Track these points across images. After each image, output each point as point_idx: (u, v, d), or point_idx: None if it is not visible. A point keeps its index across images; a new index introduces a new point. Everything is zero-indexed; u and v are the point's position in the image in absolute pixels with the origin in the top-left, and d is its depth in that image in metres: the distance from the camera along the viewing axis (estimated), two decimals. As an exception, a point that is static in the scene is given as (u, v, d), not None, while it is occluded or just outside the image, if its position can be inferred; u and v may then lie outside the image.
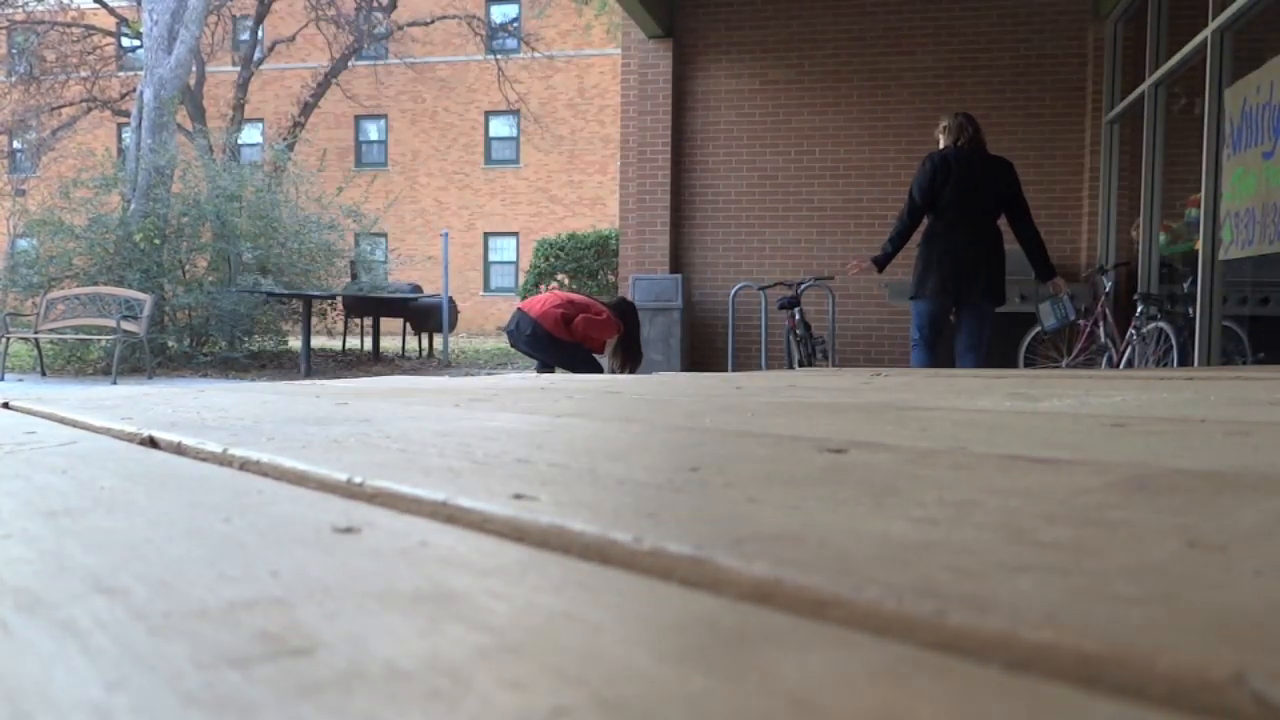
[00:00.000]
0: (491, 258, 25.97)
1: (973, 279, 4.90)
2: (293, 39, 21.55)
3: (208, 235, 11.16)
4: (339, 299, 11.85)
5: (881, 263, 5.08)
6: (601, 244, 12.98)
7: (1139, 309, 6.43)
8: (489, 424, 1.08)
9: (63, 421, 1.24)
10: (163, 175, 11.24)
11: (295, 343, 11.61)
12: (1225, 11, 5.23)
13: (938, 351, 5.08)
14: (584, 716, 0.25)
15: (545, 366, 6.16)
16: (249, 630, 0.33)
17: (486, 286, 25.88)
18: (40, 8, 21.21)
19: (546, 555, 0.45)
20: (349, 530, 0.51)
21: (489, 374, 8.65)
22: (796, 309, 7.10)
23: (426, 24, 21.75)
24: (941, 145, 5.07)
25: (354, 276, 12.39)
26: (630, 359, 6.37)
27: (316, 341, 13.13)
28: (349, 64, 20.83)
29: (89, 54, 21.08)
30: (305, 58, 25.11)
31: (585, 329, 5.96)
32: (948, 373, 2.61)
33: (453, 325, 12.72)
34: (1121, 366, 6.55)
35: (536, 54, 23.68)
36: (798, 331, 7.11)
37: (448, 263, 11.76)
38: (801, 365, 6.96)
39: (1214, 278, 5.36)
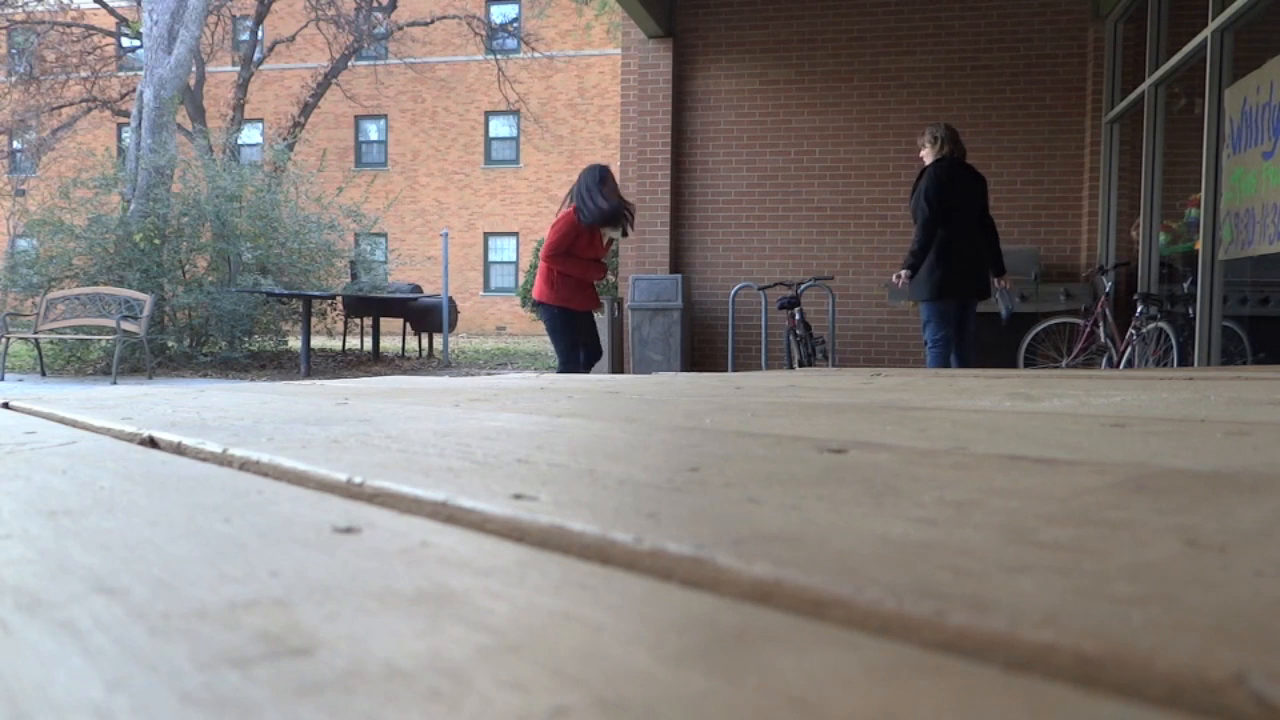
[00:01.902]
0: (491, 258, 25.98)
1: (976, 278, 5.29)
2: (293, 39, 21.55)
3: (208, 235, 11.16)
4: (339, 299, 11.85)
5: (916, 269, 5.30)
6: (601, 244, 12.97)
7: (1139, 309, 6.43)
8: (489, 424, 1.08)
9: (63, 421, 1.24)
10: (163, 175, 11.24)
11: (295, 343, 11.61)
12: (1225, 11, 5.23)
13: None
14: (584, 716, 0.25)
15: (585, 365, 5.43)
16: (249, 630, 0.33)
17: (486, 286, 25.89)
18: (40, 8, 21.20)
19: (546, 555, 0.45)
20: (349, 530, 0.51)
21: (489, 374, 8.66)
22: (796, 309, 7.10)
23: (426, 24, 21.75)
24: (929, 155, 5.33)
25: (354, 276, 12.40)
26: (609, 217, 5.14)
27: (316, 341, 13.13)
28: (349, 64, 20.82)
29: (89, 54, 21.07)
30: (305, 58, 25.11)
31: (565, 270, 5.12)
32: (948, 373, 2.61)
33: (453, 325, 12.72)
34: (1121, 366, 6.55)
35: (536, 54, 23.69)
36: (798, 331, 7.11)
37: (448, 263, 11.76)
38: (801, 365, 6.96)
39: (1214, 278, 5.37)
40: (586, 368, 5.48)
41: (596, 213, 5.08)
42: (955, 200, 5.19)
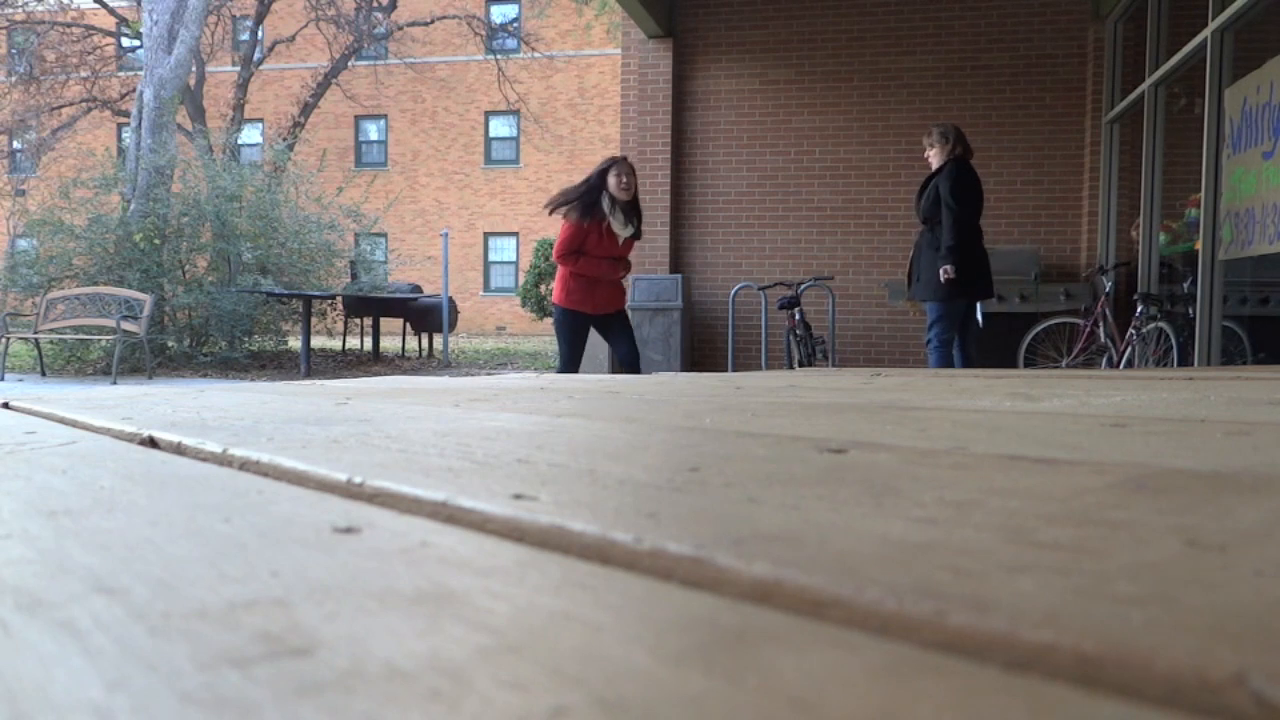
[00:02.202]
0: (491, 258, 25.98)
1: (985, 279, 5.30)
2: (293, 39, 21.55)
3: (208, 235, 11.16)
4: (339, 299, 11.85)
5: (959, 264, 5.21)
6: (601, 244, 12.97)
7: (1139, 309, 6.44)
8: (489, 424, 1.08)
9: (63, 421, 1.24)
10: (163, 175, 11.24)
11: (295, 343, 11.60)
12: (1225, 11, 5.23)
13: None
14: (584, 716, 0.25)
15: (624, 365, 5.13)
16: (249, 630, 0.33)
17: (486, 286, 25.89)
18: (40, 8, 21.20)
19: (546, 555, 0.45)
20: (349, 530, 0.51)
21: (489, 374, 8.65)
22: (796, 309, 7.10)
23: (426, 24, 21.76)
24: (939, 155, 5.28)
25: (354, 276, 12.40)
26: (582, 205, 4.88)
27: (316, 341, 13.13)
28: (349, 64, 20.83)
29: (89, 54, 21.08)
30: (305, 58, 25.11)
31: (579, 270, 4.91)
32: (948, 373, 2.61)
33: (453, 325, 12.71)
34: (1121, 366, 6.55)
35: (536, 54, 23.69)
36: (798, 331, 7.11)
37: (448, 263, 11.76)
38: (801, 365, 6.96)
39: (1214, 278, 5.37)
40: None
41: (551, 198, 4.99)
42: (970, 200, 5.19)
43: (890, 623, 0.33)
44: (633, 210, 4.97)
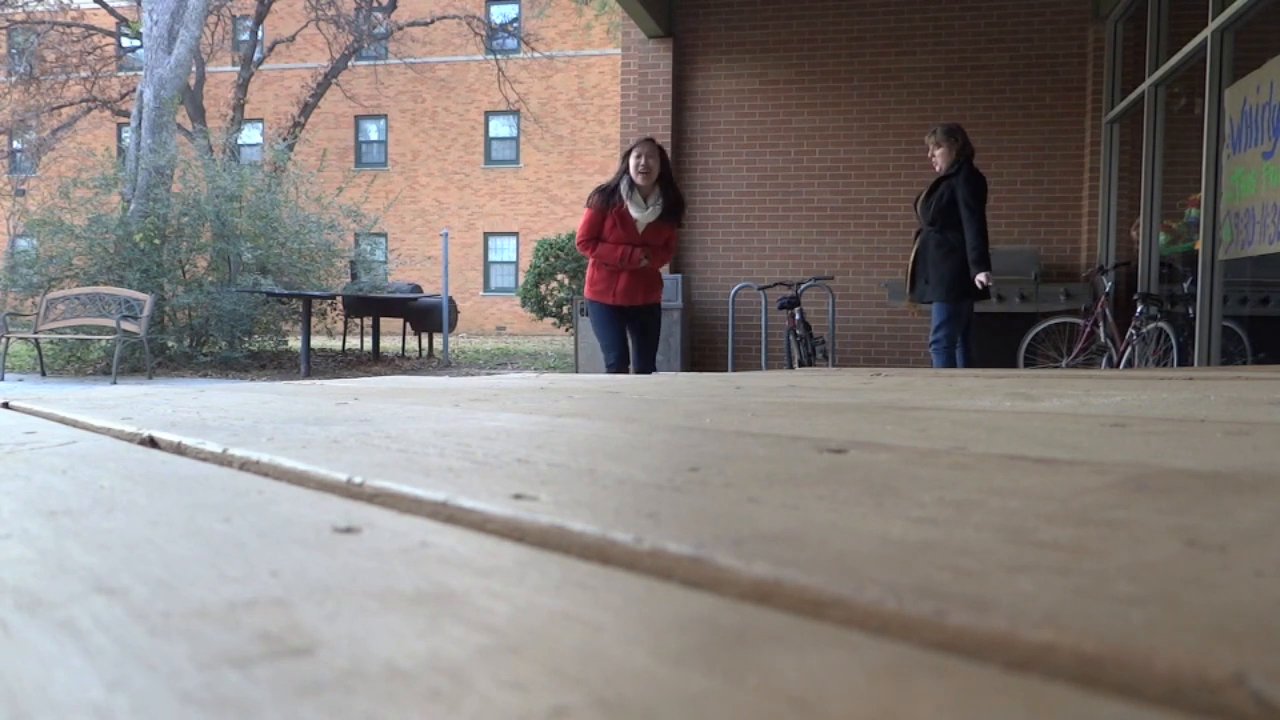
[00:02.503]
0: (491, 258, 25.98)
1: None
2: (293, 39, 21.56)
3: (208, 235, 11.16)
4: (339, 299, 11.85)
5: (985, 266, 5.17)
6: (601, 244, 12.95)
7: (1139, 309, 6.44)
8: (489, 424, 1.08)
9: (63, 421, 1.24)
10: (163, 175, 11.24)
11: (295, 343, 11.60)
12: (1225, 11, 5.23)
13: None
14: (584, 716, 0.25)
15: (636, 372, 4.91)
16: (249, 630, 0.33)
17: (486, 286, 25.89)
18: (40, 8, 21.21)
19: (546, 555, 0.45)
20: (349, 530, 0.51)
21: (489, 374, 8.65)
22: (796, 309, 7.10)
23: (426, 24, 21.76)
24: (946, 155, 5.22)
25: (354, 276, 12.40)
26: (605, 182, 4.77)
27: (316, 341, 13.12)
28: (349, 64, 20.83)
29: (89, 54, 21.08)
30: (305, 58, 25.11)
31: (599, 256, 4.73)
32: (948, 373, 2.61)
33: (453, 325, 12.71)
34: (1121, 366, 6.55)
35: (536, 54, 23.69)
36: (798, 331, 7.11)
37: (448, 263, 11.76)
38: (801, 365, 6.96)
39: (1214, 278, 5.37)
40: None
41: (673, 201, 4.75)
42: (985, 201, 5.17)
43: (890, 623, 0.33)
44: (656, 194, 4.69)
